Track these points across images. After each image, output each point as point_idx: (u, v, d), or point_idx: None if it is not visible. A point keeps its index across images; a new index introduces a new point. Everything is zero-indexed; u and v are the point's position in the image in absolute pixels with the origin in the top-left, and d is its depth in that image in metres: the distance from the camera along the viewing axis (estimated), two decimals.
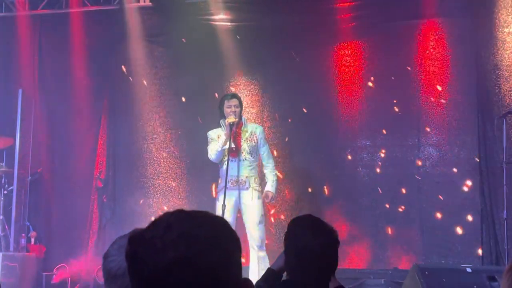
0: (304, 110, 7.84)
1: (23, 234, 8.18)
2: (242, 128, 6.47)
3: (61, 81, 8.63)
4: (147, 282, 1.11)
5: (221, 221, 1.20)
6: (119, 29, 8.42)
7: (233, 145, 6.32)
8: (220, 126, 6.50)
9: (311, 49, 7.94)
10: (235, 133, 6.37)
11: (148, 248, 1.12)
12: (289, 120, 7.95)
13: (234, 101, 6.41)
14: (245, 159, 6.41)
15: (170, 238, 1.11)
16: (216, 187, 6.70)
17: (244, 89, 8.14)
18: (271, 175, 6.56)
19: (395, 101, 7.69)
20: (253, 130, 6.53)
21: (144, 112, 8.45)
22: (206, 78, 8.12)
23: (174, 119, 8.36)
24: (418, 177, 7.60)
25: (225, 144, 6.32)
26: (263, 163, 6.64)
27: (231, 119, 6.28)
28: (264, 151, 6.59)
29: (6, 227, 7.94)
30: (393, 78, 7.68)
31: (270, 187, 6.51)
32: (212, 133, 6.54)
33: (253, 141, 6.48)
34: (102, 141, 8.56)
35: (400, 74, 7.68)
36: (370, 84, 7.80)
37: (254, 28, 8.11)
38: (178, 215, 1.17)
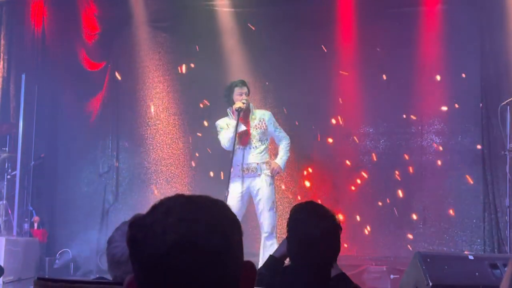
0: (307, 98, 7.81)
1: (26, 219, 8.21)
2: (251, 116, 6.41)
3: (64, 65, 8.62)
4: (148, 266, 1.12)
5: (221, 204, 1.20)
6: (124, 13, 8.40)
7: (244, 128, 6.26)
8: (227, 115, 6.42)
9: (315, 36, 7.88)
10: (244, 121, 6.33)
11: (149, 233, 1.13)
12: (293, 107, 7.93)
13: (245, 89, 6.35)
14: (256, 146, 6.34)
15: (170, 222, 1.12)
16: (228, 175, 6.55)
17: (247, 76, 8.09)
18: (283, 151, 6.48)
19: (397, 89, 7.67)
20: (261, 117, 6.43)
21: (147, 98, 8.46)
22: (209, 63, 8.07)
23: (177, 104, 8.36)
24: (420, 165, 7.60)
25: (236, 129, 6.23)
26: (278, 143, 6.56)
27: (238, 104, 6.21)
28: (278, 134, 6.51)
29: (10, 211, 7.97)
30: (396, 65, 7.65)
31: (278, 159, 6.45)
32: (221, 122, 6.44)
33: (262, 128, 6.38)
34: (105, 126, 8.57)
35: (404, 61, 7.65)
36: (373, 71, 7.77)
37: (257, 14, 8.08)
38: (177, 199, 1.17)
